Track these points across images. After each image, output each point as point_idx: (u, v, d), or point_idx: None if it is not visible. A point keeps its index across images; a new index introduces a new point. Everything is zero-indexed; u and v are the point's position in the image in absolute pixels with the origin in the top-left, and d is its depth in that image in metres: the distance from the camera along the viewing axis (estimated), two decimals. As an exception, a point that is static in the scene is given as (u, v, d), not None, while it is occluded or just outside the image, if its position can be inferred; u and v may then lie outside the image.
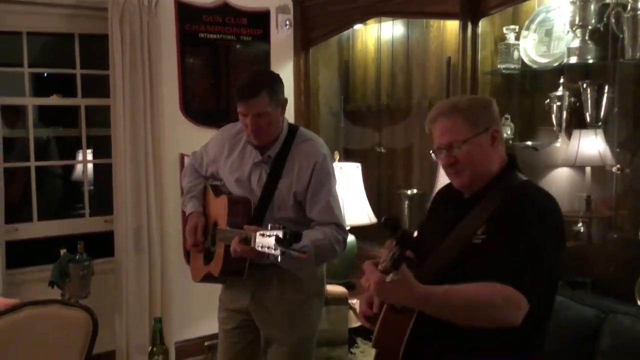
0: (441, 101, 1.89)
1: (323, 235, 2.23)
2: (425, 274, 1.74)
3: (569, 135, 3.08)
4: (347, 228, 3.56)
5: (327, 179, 2.34)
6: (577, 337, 2.32)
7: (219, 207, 2.45)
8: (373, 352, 2.90)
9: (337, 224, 2.32)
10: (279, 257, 1.91)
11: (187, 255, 3.41)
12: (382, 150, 4.26)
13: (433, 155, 1.85)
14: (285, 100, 2.37)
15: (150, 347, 1.94)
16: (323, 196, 2.32)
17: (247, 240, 2.07)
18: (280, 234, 1.90)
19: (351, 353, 2.98)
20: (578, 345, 2.32)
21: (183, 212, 3.97)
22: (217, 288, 2.62)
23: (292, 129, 2.43)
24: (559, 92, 3.06)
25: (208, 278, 2.49)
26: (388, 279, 1.46)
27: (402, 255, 1.46)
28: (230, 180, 2.47)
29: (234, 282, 2.48)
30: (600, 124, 2.94)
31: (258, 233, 2.01)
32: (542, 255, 1.61)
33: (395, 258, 1.45)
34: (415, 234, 1.51)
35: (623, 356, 2.22)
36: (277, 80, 2.37)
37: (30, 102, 3.88)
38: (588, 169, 3.04)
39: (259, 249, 1.99)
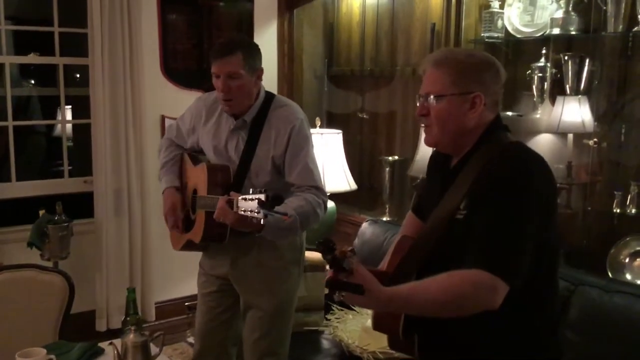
0: (444, 48, 1.75)
1: (305, 202, 2.24)
2: (413, 253, 1.71)
3: (552, 101, 3.09)
4: (327, 194, 3.60)
5: (304, 142, 2.35)
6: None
7: (197, 175, 2.45)
8: (348, 318, 2.96)
9: (317, 187, 2.32)
10: (262, 219, 1.92)
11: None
12: (365, 116, 4.25)
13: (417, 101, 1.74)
14: (261, 70, 2.36)
15: (124, 317, 1.96)
16: (301, 160, 2.32)
17: (230, 204, 2.08)
18: (262, 197, 1.91)
19: (326, 319, 3.02)
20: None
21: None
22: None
23: (269, 97, 2.42)
24: (541, 63, 3.06)
25: (189, 246, 2.51)
26: (335, 296, 1.42)
27: (334, 279, 1.40)
28: (209, 149, 2.47)
29: (214, 249, 2.50)
30: (579, 97, 2.94)
31: (240, 197, 2.02)
32: (518, 227, 1.50)
33: (328, 284, 1.40)
34: (351, 254, 1.39)
35: (590, 328, 2.27)
36: (254, 48, 2.37)
37: (7, 60, 3.81)
38: (570, 136, 3.05)
39: (242, 212, 2.00)
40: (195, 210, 2.45)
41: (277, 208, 1.93)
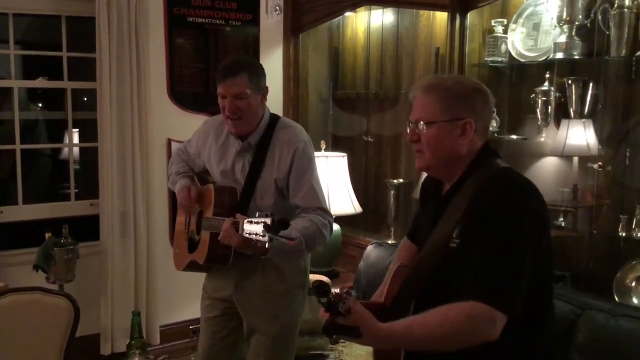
0: (432, 75, 1.79)
1: (310, 223, 2.24)
2: (411, 281, 1.71)
3: (557, 124, 3.10)
4: (333, 216, 3.60)
5: (308, 164, 2.35)
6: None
7: (204, 196, 2.46)
8: (353, 343, 2.94)
9: (322, 208, 2.32)
10: (267, 243, 1.92)
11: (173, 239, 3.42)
12: (370, 139, 4.27)
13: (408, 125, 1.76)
14: (266, 89, 2.38)
15: (129, 341, 1.96)
16: (306, 182, 2.32)
17: (236, 227, 2.08)
18: (268, 220, 1.91)
19: (331, 343, 3.00)
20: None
21: (169, 197, 4.01)
22: (202, 273, 2.63)
23: (274, 118, 2.44)
24: (545, 87, 3.07)
25: (192, 267, 2.51)
26: (332, 339, 1.43)
27: (331, 324, 1.39)
28: (216, 172, 2.48)
29: (218, 271, 2.50)
30: (584, 120, 2.96)
31: (246, 220, 2.02)
32: (515, 256, 1.50)
33: (324, 327, 1.40)
34: (349, 297, 1.39)
35: (597, 352, 2.25)
36: (259, 67, 2.40)
37: (16, 85, 3.85)
38: (575, 159, 3.06)
39: (247, 235, 2.00)
40: (200, 231, 2.46)
41: (282, 232, 1.94)
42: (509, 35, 3.26)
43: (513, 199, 1.56)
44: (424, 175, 3.49)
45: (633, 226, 2.80)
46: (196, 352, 3.38)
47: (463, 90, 1.67)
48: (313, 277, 3.07)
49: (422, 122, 1.65)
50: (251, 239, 1.98)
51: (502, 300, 1.47)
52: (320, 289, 1.38)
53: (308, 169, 2.35)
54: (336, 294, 1.40)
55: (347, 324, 1.39)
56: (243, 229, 2.01)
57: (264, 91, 2.37)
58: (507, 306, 1.47)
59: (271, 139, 2.37)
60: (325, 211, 2.33)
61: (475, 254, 1.52)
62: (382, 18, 4.17)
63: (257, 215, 1.97)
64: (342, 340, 1.46)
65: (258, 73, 2.35)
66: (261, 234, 1.92)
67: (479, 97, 1.68)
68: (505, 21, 3.26)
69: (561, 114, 3.09)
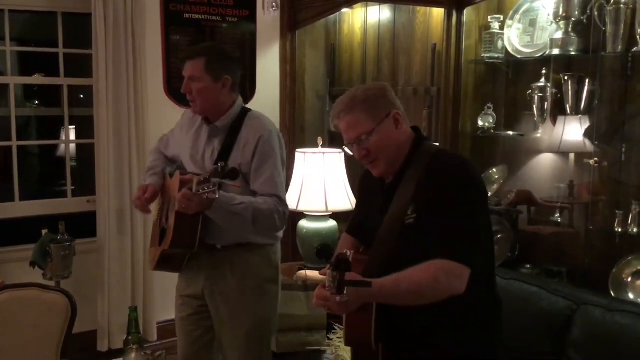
0: (340, 97, 1.93)
1: (263, 201, 2.27)
2: (372, 262, 1.86)
3: (553, 121, 3.11)
4: (329, 213, 3.61)
5: (271, 153, 2.36)
6: (549, 327, 2.37)
7: (173, 186, 2.45)
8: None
9: (279, 196, 2.34)
10: (216, 192, 1.96)
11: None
12: (366, 136, 4.26)
13: (347, 149, 1.93)
14: (228, 80, 2.36)
15: (126, 336, 1.96)
16: (267, 169, 2.34)
17: (190, 188, 2.09)
18: (217, 167, 1.99)
19: (329, 339, 3.00)
20: (550, 336, 2.36)
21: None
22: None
23: (245, 110, 2.46)
24: (541, 83, 3.08)
25: (162, 262, 2.47)
26: (338, 299, 1.55)
27: (343, 279, 1.53)
28: (187, 158, 2.50)
29: (188, 267, 2.49)
30: (580, 117, 2.96)
31: (196, 178, 2.06)
32: (470, 219, 1.75)
33: (337, 284, 1.53)
34: (350, 254, 1.59)
35: (593, 347, 2.26)
36: (223, 56, 2.41)
37: (13, 81, 3.84)
38: (572, 155, 3.07)
39: (200, 192, 2.01)
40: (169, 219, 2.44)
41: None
42: (506, 31, 3.26)
43: (460, 173, 1.80)
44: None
45: (629, 222, 2.80)
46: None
47: (375, 93, 1.88)
48: (312, 273, 3.07)
49: (364, 137, 1.83)
50: (203, 194, 2.00)
51: (466, 256, 1.70)
52: (325, 251, 1.54)
53: (271, 157, 2.36)
54: (339, 253, 1.57)
55: (354, 279, 1.58)
56: (194, 187, 2.03)
57: (224, 81, 2.36)
58: (470, 261, 1.70)
59: (240, 129, 2.40)
60: (281, 200, 2.34)
61: (437, 223, 1.73)
62: (379, 14, 4.17)
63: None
64: (339, 328, 1.56)
65: (219, 60, 2.36)
66: (211, 185, 1.96)
67: (386, 92, 1.89)
68: (501, 17, 3.27)
69: (557, 110, 3.09)
